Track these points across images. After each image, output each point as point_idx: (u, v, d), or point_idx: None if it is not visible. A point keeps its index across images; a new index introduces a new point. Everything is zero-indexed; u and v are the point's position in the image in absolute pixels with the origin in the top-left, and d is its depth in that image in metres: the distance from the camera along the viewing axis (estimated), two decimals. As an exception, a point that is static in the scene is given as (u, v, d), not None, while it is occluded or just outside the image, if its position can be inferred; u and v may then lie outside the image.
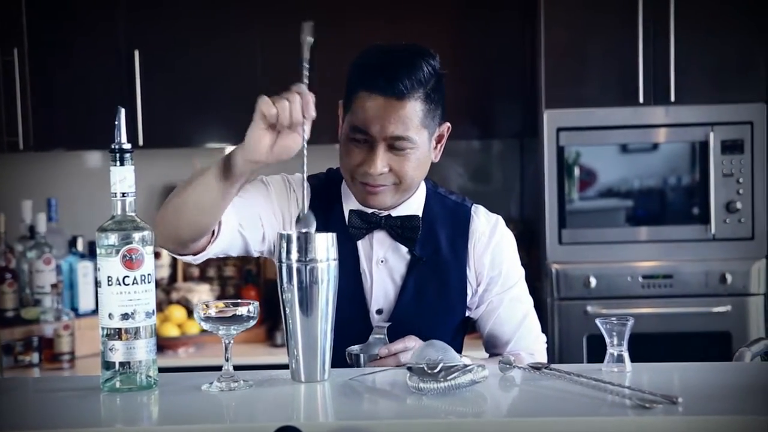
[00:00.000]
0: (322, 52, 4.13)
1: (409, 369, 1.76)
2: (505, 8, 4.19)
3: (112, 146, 1.81)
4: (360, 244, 2.22)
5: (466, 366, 1.72)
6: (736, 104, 3.86)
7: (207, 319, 1.80)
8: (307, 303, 1.81)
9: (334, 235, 1.84)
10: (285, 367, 1.89)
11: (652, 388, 1.65)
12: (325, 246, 1.82)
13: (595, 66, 3.90)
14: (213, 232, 2.10)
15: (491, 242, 2.25)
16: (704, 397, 1.65)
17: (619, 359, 1.84)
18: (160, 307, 4.31)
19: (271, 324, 4.25)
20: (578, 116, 3.87)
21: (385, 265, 2.21)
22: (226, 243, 2.15)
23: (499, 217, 2.30)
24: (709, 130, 3.85)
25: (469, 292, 2.25)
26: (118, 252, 1.76)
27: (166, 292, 4.37)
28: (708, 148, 3.85)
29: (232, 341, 1.82)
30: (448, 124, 2.21)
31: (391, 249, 2.22)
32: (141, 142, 4.17)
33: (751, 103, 3.86)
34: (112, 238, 1.77)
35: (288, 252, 1.81)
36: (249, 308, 1.80)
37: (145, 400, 1.77)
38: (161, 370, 1.89)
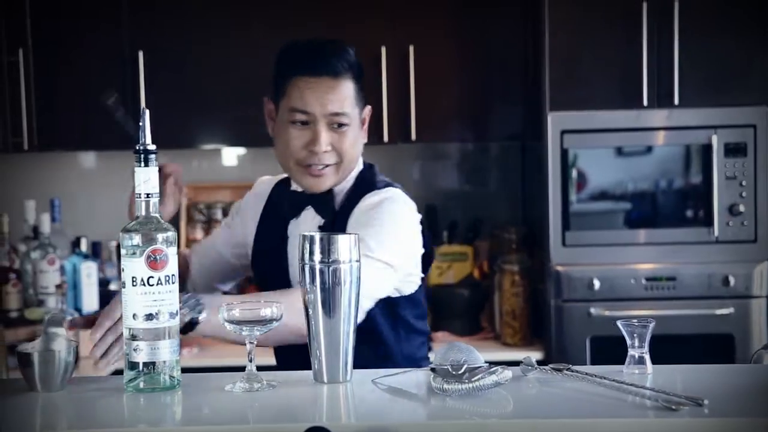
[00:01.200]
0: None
1: (433, 370, 1.77)
2: (506, 11, 4.19)
3: (137, 147, 1.81)
4: (293, 223, 2.37)
5: (490, 367, 1.73)
6: (739, 107, 3.88)
7: (231, 320, 1.81)
8: (329, 304, 1.82)
9: (357, 235, 1.85)
10: (278, 368, 1.90)
11: (676, 390, 1.66)
12: (348, 247, 1.82)
13: (599, 69, 3.91)
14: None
15: (361, 217, 2.29)
16: (729, 399, 1.67)
17: (641, 361, 1.85)
18: (163, 308, 4.31)
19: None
20: (582, 119, 3.88)
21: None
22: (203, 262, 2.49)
23: (390, 197, 2.31)
24: (712, 133, 3.87)
25: None
26: (142, 253, 1.77)
27: (169, 293, 4.36)
28: (711, 151, 3.86)
29: (255, 342, 1.83)
30: (369, 107, 2.39)
31: (311, 222, 2.35)
32: (145, 143, 4.16)
33: (755, 106, 3.87)
34: (136, 239, 1.78)
35: (311, 253, 1.82)
36: (272, 309, 1.81)
37: (169, 401, 1.78)
38: None
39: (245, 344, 1.81)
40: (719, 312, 3.88)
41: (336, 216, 2.32)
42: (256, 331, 1.81)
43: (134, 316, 1.78)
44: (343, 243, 1.82)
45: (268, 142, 4.21)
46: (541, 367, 1.88)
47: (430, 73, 4.12)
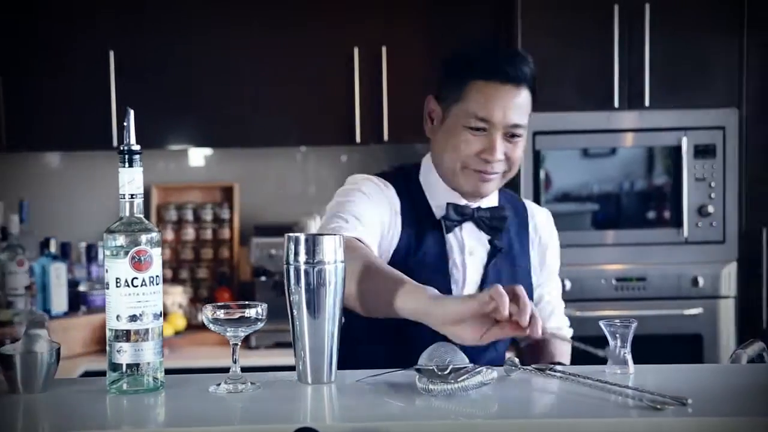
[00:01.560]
0: (318, 53, 4.13)
1: (418, 371, 1.77)
2: (477, 11, 4.21)
3: (121, 147, 1.81)
4: (450, 237, 2.27)
5: (475, 367, 1.74)
6: (708, 109, 3.92)
7: (215, 320, 1.80)
8: (314, 305, 1.81)
9: (342, 236, 1.85)
10: (258, 369, 1.89)
11: (659, 390, 1.68)
12: (332, 248, 1.82)
13: (571, 70, 3.93)
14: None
15: (553, 231, 2.43)
16: (712, 399, 1.68)
17: (623, 361, 1.87)
18: (133, 309, 4.29)
19: (245, 326, 4.25)
20: (554, 120, 3.91)
21: (473, 257, 2.28)
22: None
23: (549, 211, 2.47)
24: (682, 135, 3.90)
25: (534, 279, 2.38)
26: (126, 253, 1.76)
27: (139, 294, 4.34)
28: (681, 152, 3.90)
29: (239, 343, 1.82)
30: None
31: (477, 240, 2.29)
32: (115, 143, 4.14)
33: (724, 108, 3.92)
34: (120, 240, 1.77)
35: (296, 254, 1.81)
36: (257, 310, 1.80)
37: (153, 402, 1.77)
38: None
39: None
40: (688, 312, 3.92)
41: (501, 233, 2.31)
42: (240, 332, 1.81)
43: (118, 317, 1.77)
44: (329, 244, 1.81)
45: (235, 142, 4.25)
46: (524, 367, 1.89)
47: (403, 73, 4.13)
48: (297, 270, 1.81)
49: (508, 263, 2.31)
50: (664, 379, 1.83)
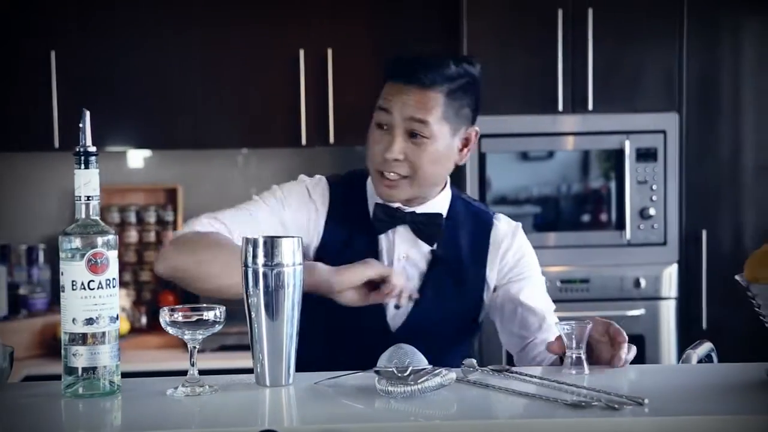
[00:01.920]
0: (263, 55, 4.12)
1: (377, 372, 1.78)
2: (423, 14, 4.23)
3: (77, 149, 1.78)
4: (382, 239, 2.25)
5: (434, 369, 1.75)
6: (650, 113, 3.98)
7: (173, 323, 1.79)
8: (272, 307, 1.81)
9: (300, 238, 1.85)
10: (203, 372, 1.88)
11: (615, 390, 1.70)
12: (291, 250, 1.82)
13: (516, 74, 3.97)
14: None
15: (513, 242, 2.32)
16: (668, 398, 1.70)
17: (578, 362, 1.89)
18: (75, 312, 4.24)
19: (190, 329, 4.22)
20: (499, 123, 3.94)
21: (406, 262, 2.25)
22: None
23: (519, 224, 2.38)
24: (624, 139, 3.96)
25: (486, 295, 2.31)
26: (83, 256, 1.74)
27: (80, 297, 4.29)
28: (623, 155, 3.95)
29: (197, 346, 1.81)
30: (477, 129, 2.28)
31: (413, 246, 2.26)
32: (57, 145, 4.09)
33: (665, 112, 3.98)
34: (77, 242, 1.75)
35: (254, 256, 1.81)
36: (216, 312, 1.79)
37: (109, 406, 1.75)
38: None
39: None
40: (631, 313, 3.97)
41: (445, 241, 2.27)
42: (198, 335, 1.80)
43: (74, 320, 1.75)
44: (287, 246, 1.81)
45: (176, 144, 4.22)
46: (482, 368, 1.90)
47: (349, 75, 4.13)
48: (255, 272, 1.81)
49: (452, 275, 2.27)
50: (619, 379, 1.86)
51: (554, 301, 3.89)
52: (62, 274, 1.76)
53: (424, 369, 1.75)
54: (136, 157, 4.56)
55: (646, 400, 1.64)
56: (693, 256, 4.01)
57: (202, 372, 1.91)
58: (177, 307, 1.81)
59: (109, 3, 4.18)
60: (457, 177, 3.97)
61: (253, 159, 4.55)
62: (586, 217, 4.03)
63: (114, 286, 1.77)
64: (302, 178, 2.34)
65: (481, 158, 3.93)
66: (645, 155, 3.97)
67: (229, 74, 4.17)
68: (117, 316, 1.80)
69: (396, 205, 2.23)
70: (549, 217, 4.02)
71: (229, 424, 1.68)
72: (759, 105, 4.04)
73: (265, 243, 1.81)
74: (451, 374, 1.75)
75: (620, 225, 3.98)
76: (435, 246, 2.26)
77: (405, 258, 2.26)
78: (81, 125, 1.80)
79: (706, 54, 4.02)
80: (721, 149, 4.04)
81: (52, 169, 4.47)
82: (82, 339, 1.75)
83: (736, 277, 1.83)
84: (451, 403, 1.74)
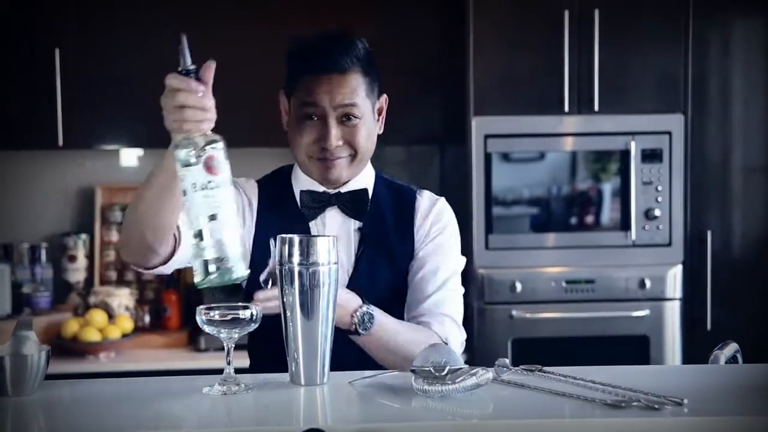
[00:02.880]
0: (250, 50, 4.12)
1: (413, 371, 1.78)
2: (420, 12, 4.22)
3: (180, 69, 1.84)
4: (313, 225, 2.29)
5: (470, 369, 1.75)
6: (656, 114, 3.99)
7: (209, 322, 1.79)
8: (308, 306, 1.81)
9: (336, 237, 1.85)
10: (209, 372, 1.88)
11: (649, 390, 1.71)
12: (326, 249, 1.82)
13: (522, 74, 3.97)
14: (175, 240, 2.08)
15: (432, 211, 2.34)
16: (705, 399, 1.71)
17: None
18: (78, 311, 4.23)
19: (192, 328, 4.21)
20: (505, 123, 3.94)
21: (339, 244, 2.22)
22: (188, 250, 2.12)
23: (443, 198, 2.40)
24: (630, 140, 3.96)
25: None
26: (198, 160, 1.74)
27: (83, 296, 4.28)
28: (629, 156, 3.96)
29: (233, 345, 1.81)
30: (386, 95, 2.35)
31: (342, 227, 2.29)
32: (61, 143, 4.08)
33: (670, 113, 3.98)
34: (190, 149, 1.76)
35: (290, 255, 1.81)
36: (252, 311, 1.79)
37: (145, 404, 1.75)
38: (82, 376, 1.89)
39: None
40: (635, 314, 3.98)
41: (371, 218, 2.29)
42: (234, 333, 1.80)
43: (197, 218, 1.74)
44: (323, 245, 1.82)
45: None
46: (515, 368, 1.91)
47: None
48: (291, 271, 1.81)
49: (382, 251, 2.29)
50: (650, 379, 1.86)
51: (560, 302, 3.95)
52: (182, 180, 1.75)
53: (461, 368, 1.76)
54: (140, 156, 4.53)
55: (686, 400, 1.65)
56: (697, 257, 4.02)
57: (205, 371, 1.91)
58: (213, 305, 1.80)
59: (111, 1, 4.16)
60: (463, 175, 3.98)
61: (249, 158, 4.52)
62: (591, 218, 4.03)
63: (229, 186, 1.77)
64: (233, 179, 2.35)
65: (487, 158, 3.93)
66: (650, 156, 3.98)
67: (229, 74, 4.12)
68: (237, 208, 1.81)
69: (321, 189, 2.28)
70: (554, 217, 4.02)
71: (266, 422, 1.69)
72: (763, 106, 4.06)
73: (300, 242, 1.81)
74: (487, 374, 1.75)
75: (625, 226, 3.99)
76: (362, 224, 2.29)
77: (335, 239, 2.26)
78: (180, 47, 1.84)
79: (711, 55, 4.03)
80: (725, 151, 4.05)
81: (55, 168, 4.45)
82: (208, 234, 1.74)
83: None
84: (488, 403, 1.75)
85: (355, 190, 2.30)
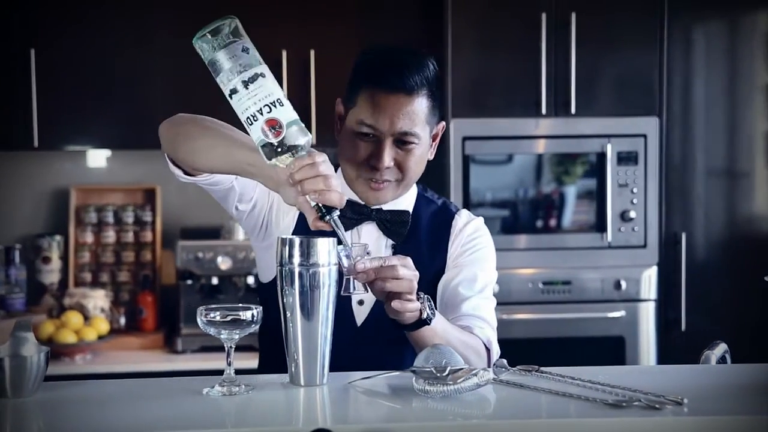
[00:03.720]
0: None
1: (413, 372, 1.79)
2: (407, 14, 4.23)
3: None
4: (348, 234, 2.20)
5: (471, 369, 1.76)
6: (631, 117, 4.03)
7: (210, 323, 1.79)
8: (308, 307, 1.82)
9: (335, 239, 1.85)
10: (184, 373, 1.88)
11: (645, 390, 1.72)
12: (326, 250, 1.83)
13: (500, 77, 3.99)
14: None
15: (465, 230, 2.31)
16: (704, 398, 1.73)
17: (348, 285, 1.92)
18: (53, 312, 4.19)
19: (169, 330, 4.20)
20: (483, 126, 3.97)
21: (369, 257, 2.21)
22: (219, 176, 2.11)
23: (481, 218, 2.37)
24: (606, 142, 4.00)
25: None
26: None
27: (57, 297, 4.25)
28: (605, 159, 4.00)
29: (233, 346, 1.81)
30: (444, 123, 2.27)
31: (377, 242, 2.25)
32: (36, 144, 4.05)
33: (646, 116, 4.02)
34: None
35: (290, 256, 1.81)
36: (252, 312, 1.79)
37: (145, 405, 1.75)
38: (58, 378, 1.89)
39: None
40: (611, 315, 4.02)
41: (407, 238, 2.25)
42: (235, 334, 1.80)
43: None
44: (323, 246, 1.82)
45: (156, 144, 4.16)
46: (513, 368, 1.92)
47: (331, 77, 4.12)
48: (291, 272, 1.81)
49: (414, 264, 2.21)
50: (646, 379, 1.86)
51: (536, 303, 3.98)
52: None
53: (462, 369, 1.77)
54: (113, 157, 4.50)
55: (686, 400, 1.67)
56: (672, 259, 4.07)
57: (182, 372, 1.91)
58: (213, 306, 1.80)
59: (87, 2, 4.13)
60: (441, 177, 4.00)
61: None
62: (568, 219, 4.06)
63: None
64: None
65: (465, 161, 3.95)
66: (626, 159, 4.02)
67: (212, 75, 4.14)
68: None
69: (363, 202, 2.23)
70: (528, 219, 4.05)
71: (267, 423, 1.68)
72: (737, 109, 4.11)
73: (301, 243, 1.81)
74: (488, 374, 1.76)
75: (602, 227, 4.02)
76: (396, 243, 2.25)
77: (368, 254, 2.24)
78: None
79: (686, 59, 4.07)
80: (699, 153, 4.10)
81: (29, 169, 4.41)
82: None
83: (766, 278, 1.85)
84: (489, 403, 1.76)
85: (396, 211, 2.24)
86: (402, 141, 2.14)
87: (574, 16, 3.95)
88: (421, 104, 2.13)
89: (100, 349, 4.03)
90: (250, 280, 4.09)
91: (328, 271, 1.82)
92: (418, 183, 2.32)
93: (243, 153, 1.90)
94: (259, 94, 1.78)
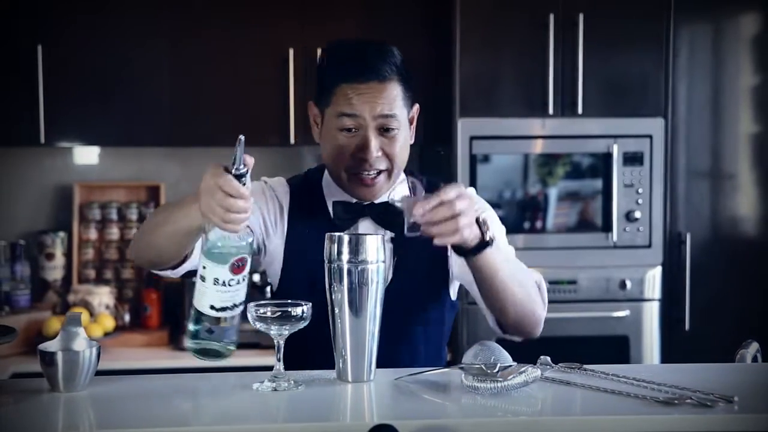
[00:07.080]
0: (253, 54, 4.13)
1: (462, 368, 1.80)
2: (411, 13, 4.24)
3: (234, 173, 1.76)
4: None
5: (520, 366, 1.77)
6: (637, 118, 4.05)
7: (260, 318, 1.79)
8: (356, 304, 1.83)
9: (384, 236, 1.86)
10: (189, 370, 1.89)
11: (693, 387, 1.74)
12: (375, 247, 1.84)
13: (508, 77, 4.01)
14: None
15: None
16: (752, 396, 1.75)
17: (413, 227, 1.92)
18: (56, 309, 4.18)
19: (173, 327, 4.19)
20: (490, 125, 3.98)
21: None
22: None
23: (471, 187, 2.35)
24: (612, 142, 4.02)
25: (452, 261, 2.27)
26: (227, 261, 1.77)
27: (61, 294, 4.24)
28: (611, 159, 4.02)
29: (283, 342, 1.82)
30: (417, 105, 2.30)
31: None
32: (43, 140, 4.03)
33: (651, 117, 4.05)
34: (222, 249, 1.78)
35: (339, 253, 1.82)
36: (303, 309, 1.80)
37: (197, 400, 1.75)
38: None
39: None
40: (616, 314, 4.04)
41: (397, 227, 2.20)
42: (284, 329, 1.80)
43: (211, 306, 1.79)
44: (371, 243, 1.83)
45: (160, 141, 4.18)
46: (557, 365, 1.94)
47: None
48: (339, 269, 1.83)
49: (419, 253, 2.20)
50: (695, 377, 1.86)
51: (542, 302, 3.99)
52: (204, 268, 1.78)
53: (511, 366, 1.78)
54: (119, 154, 4.49)
55: (736, 398, 1.68)
56: (677, 259, 4.09)
57: (188, 369, 1.92)
58: (263, 302, 1.81)
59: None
60: (448, 177, 4.01)
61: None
62: (574, 219, 4.08)
63: (245, 280, 1.80)
64: (263, 179, 2.33)
65: (472, 159, 3.97)
66: (632, 159, 4.05)
67: (219, 73, 4.15)
68: (242, 301, 1.83)
69: (353, 200, 2.24)
70: (535, 218, 4.06)
71: (317, 418, 1.69)
72: (742, 110, 4.14)
73: (350, 240, 1.82)
74: (536, 371, 1.78)
75: (607, 227, 4.04)
76: (394, 234, 2.22)
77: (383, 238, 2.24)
78: (236, 148, 1.76)
79: (692, 61, 4.10)
80: (704, 154, 4.13)
81: (36, 164, 4.40)
82: (216, 321, 1.80)
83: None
84: (537, 400, 1.77)
85: (385, 203, 2.23)
86: (384, 128, 2.16)
87: (581, 17, 3.97)
88: (395, 88, 2.17)
89: (106, 345, 4.01)
90: (256, 277, 4.08)
91: (377, 268, 1.84)
92: (412, 173, 2.32)
93: (179, 216, 1.92)
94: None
